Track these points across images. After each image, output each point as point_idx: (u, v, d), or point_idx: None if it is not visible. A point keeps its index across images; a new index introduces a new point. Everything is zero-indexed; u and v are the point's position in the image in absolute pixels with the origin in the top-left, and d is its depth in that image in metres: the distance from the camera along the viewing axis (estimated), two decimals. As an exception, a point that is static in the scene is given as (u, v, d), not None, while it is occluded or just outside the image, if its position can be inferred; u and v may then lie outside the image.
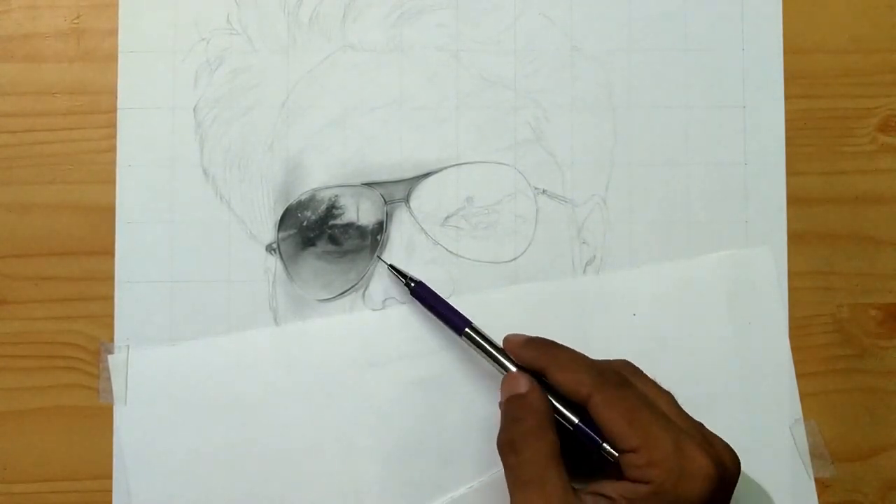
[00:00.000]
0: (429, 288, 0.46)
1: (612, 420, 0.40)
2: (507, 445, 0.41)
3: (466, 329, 0.45)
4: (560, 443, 0.41)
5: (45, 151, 0.49)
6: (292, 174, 0.49)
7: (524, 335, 0.45)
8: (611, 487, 0.40)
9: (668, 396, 0.43)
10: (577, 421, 0.42)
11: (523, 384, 0.43)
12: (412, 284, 0.46)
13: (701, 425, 0.42)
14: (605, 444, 0.41)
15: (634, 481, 0.40)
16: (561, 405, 0.42)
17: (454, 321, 0.45)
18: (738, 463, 0.42)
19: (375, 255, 0.48)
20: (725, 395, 0.48)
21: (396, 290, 0.48)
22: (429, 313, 0.46)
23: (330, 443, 0.48)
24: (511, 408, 0.43)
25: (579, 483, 0.41)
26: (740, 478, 0.47)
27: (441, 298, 0.46)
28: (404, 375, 0.48)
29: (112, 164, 0.49)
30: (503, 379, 0.44)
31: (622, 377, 0.42)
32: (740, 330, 0.49)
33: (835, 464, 0.48)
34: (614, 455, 0.40)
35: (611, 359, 0.44)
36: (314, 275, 0.48)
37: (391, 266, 0.47)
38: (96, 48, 0.49)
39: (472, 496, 0.47)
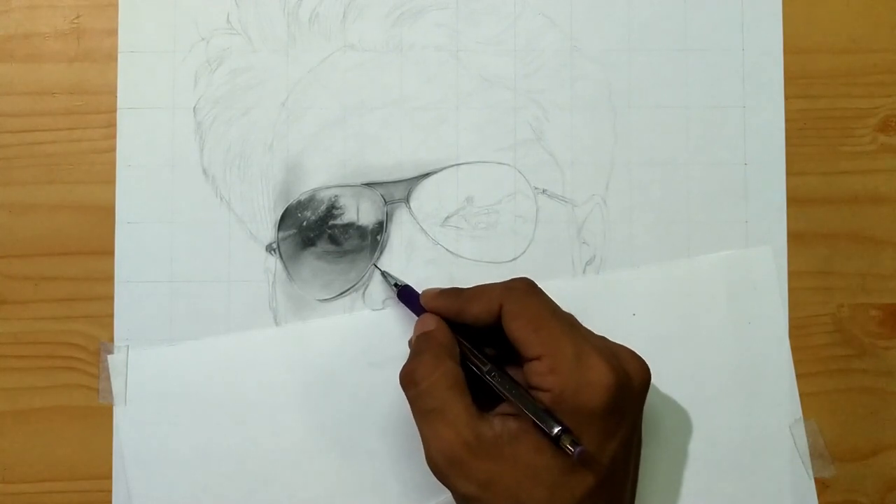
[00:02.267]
0: (414, 290, 0.47)
1: (518, 328, 0.41)
2: (407, 377, 0.42)
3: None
4: (465, 375, 0.41)
5: (45, 151, 0.49)
6: (292, 174, 0.49)
7: (437, 288, 0.45)
8: (514, 406, 0.40)
9: (570, 315, 0.43)
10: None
11: (430, 322, 0.44)
12: (398, 288, 0.47)
13: (605, 339, 0.42)
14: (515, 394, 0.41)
15: (536, 390, 0.40)
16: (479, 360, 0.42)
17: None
18: (646, 373, 0.42)
19: (371, 262, 0.48)
20: (725, 395, 0.48)
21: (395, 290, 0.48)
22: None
23: (330, 443, 0.48)
24: (416, 344, 0.43)
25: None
26: (740, 477, 0.47)
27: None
28: (404, 375, 0.48)
29: (112, 164, 0.49)
30: (415, 323, 0.45)
31: (530, 286, 0.43)
32: (740, 330, 0.49)
33: (835, 464, 0.48)
34: (555, 429, 0.39)
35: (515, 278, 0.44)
36: (314, 275, 0.48)
37: (382, 272, 0.48)
38: (96, 48, 0.49)
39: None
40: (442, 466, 0.40)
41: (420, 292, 0.46)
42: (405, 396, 0.42)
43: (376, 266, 0.48)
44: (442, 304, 0.44)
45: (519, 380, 0.41)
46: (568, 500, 0.39)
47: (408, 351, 0.43)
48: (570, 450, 0.38)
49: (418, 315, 0.46)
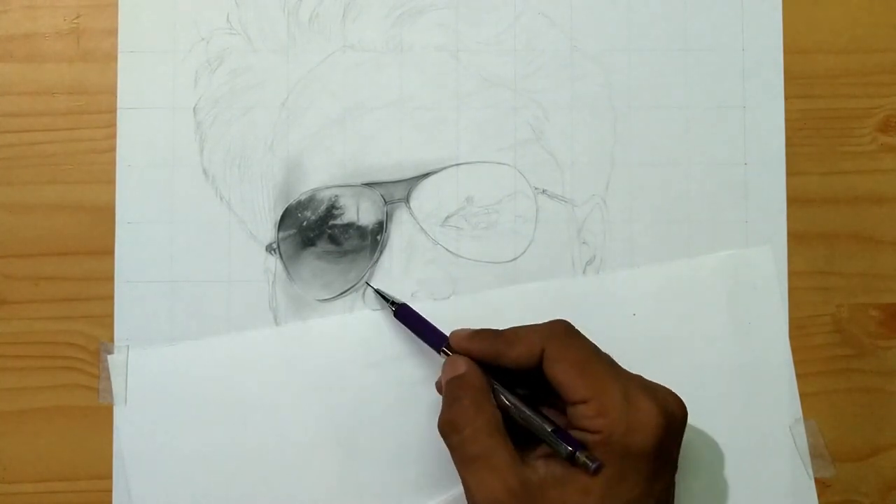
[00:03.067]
0: (411, 309, 0.46)
1: (563, 371, 0.40)
2: (448, 425, 0.41)
3: (443, 348, 0.45)
4: (503, 417, 0.41)
5: (45, 151, 0.49)
6: (292, 174, 0.49)
7: (468, 329, 0.44)
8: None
9: (606, 354, 0.43)
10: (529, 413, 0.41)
11: (461, 365, 0.43)
12: (394, 308, 0.46)
13: (642, 377, 0.42)
14: (556, 436, 0.40)
15: (584, 432, 0.39)
16: (512, 396, 0.42)
17: (432, 340, 0.45)
18: (685, 409, 0.41)
19: (363, 278, 0.48)
20: (725, 395, 0.48)
21: (396, 289, 0.48)
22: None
23: (330, 443, 0.48)
24: (450, 389, 0.42)
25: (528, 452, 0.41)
26: (740, 477, 0.47)
27: (422, 318, 0.46)
28: (404, 375, 0.48)
29: (112, 164, 0.49)
30: (443, 365, 0.44)
31: (568, 329, 0.42)
32: (740, 330, 0.49)
33: (835, 464, 0.48)
34: (567, 449, 0.39)
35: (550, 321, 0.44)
36: (314, 275, 0.48)
37: (377, 290, 0.47)
38: (96, 48, 0.49)
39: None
40: None
41: (412, 311, 0.46)
42: (446, 445, 0.41)
43: (369, 284, 0.48)
44: (477, 347, 0.43)
45: (560, 423, 0.41)
46: None
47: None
48: (589, 465, 0.38)
49: (423, 338, 0.45)
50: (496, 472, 0.39)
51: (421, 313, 0.46)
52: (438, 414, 0.42)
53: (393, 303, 0.47)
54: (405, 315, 0.46)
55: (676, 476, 0.42)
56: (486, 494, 0.39)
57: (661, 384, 0.42)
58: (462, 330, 0.44)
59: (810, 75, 0.50)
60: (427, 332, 0.46)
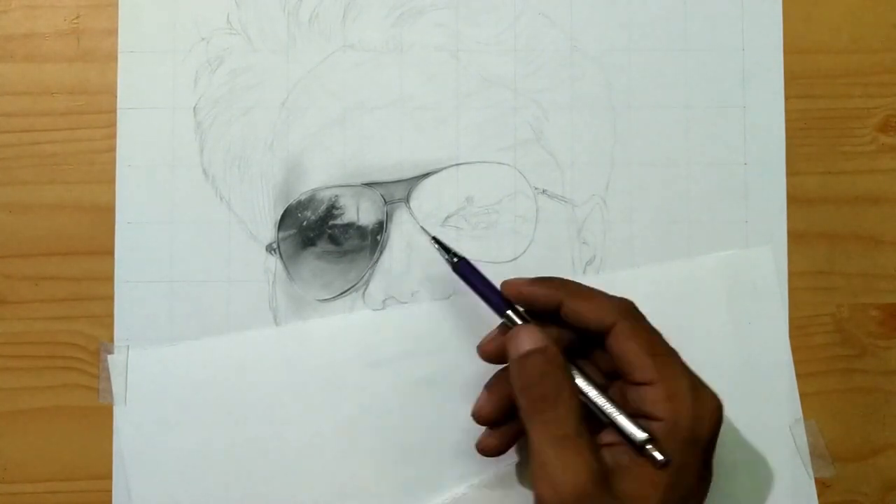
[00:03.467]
0: (472, 266, 0.44)
1: (632, 351, 0.39)
2: (543, 401, 0.38)
3: (508, 311, 0.42)
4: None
5: (45, 151, 0.49)
6: (292, 174, 0.49)
7: (524, 277, 0.42)
8: (615, 435, 0.39)
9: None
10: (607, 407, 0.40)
11: (540, 338, 0.40)
12: (455, 260, 0.44)
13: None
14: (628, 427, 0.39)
15: (648, 417, 0.39)
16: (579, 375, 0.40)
17: (495, 301, 0.43)
18: (721, 403, 0.41)
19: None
20: (725, 396, 0.48)
21: (396, 289, 0.48)
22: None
23: (330, 443, 0.48)
24: (533, 363, 0.39)
25: None
26: (740, 477, 0.47)
27: (484, 278, 0.43)
28: (404, 375, 0.48)
29: (112, 164, 0.49)
30: (510, 334, 0.41)
31: (637, 310, 0.41)
32: (740, 330, 0.49)
33: (835, 464, 0.48)
34: (642, 436, 0.38)
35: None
36: (314, 275, 0.48)
37: (434, 238, 0.44)
38: (96, 48, 0.49)
39: (472, 495, 0.47)
40: (568, 500, 0.37)
41: (501, 283, 0.43)
42: (526, 422, 0.39)
43: (426, 231, 0.46)
44: (542, 293, 0.41)
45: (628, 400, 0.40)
46: None
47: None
48: (660, 458, 0.37)
49: (481, 294, 0.43)
50: (583, 455, 0.37)
51: (475, 278, 0.43)
52: (475, 402, 0.41)
53: (455, 255, 0.44)
54: (465, 271, 0.43)
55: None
56: (572, 477, 0.37)
57: (703, 381, 0.41)
58: (517, 279, 0.42)
59: (810, 75, 0.50)
60: (489, 291, 0.43)
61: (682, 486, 0.38)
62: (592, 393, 0.40)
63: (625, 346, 0.40)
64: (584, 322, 0.41)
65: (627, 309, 0.41)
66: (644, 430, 0.39)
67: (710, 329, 0.49)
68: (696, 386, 0.39)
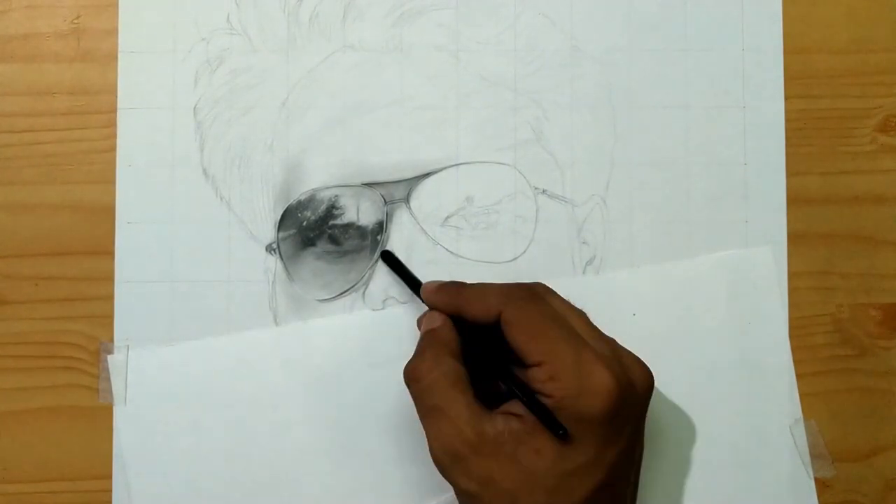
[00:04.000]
0: (394, 255, 0.48)
1: (517, 335, 0.41)
2: (410, 374, 0.42)
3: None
4: (469, 372, 0.42)
5: (45, 151, 0.49)
6: (292, 174, 0.49)
7: (438, 281, 0.46)
8: (518, 405, 0.40)
9: (581, 314, 0.43)
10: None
11: (436, 319, 0.44)
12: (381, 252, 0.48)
13: (613, 342, 0.42)
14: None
15: (539, 395, 0.40)
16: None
17: (414, 287, 0.46)
18: (650, 379, 0.42)
19: (371, 262, 0.48)
20: (725, 395, 0.48)
21: (396, 289, 0.48)
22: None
23: (330, 443, 0.48)
24: (421, 341, 0.43)
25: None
26: (740, 477, 0.47)
27: (403, 266, 0.47)
28: (404, 375, 0.48)
29: (112, 164, 0.49)
30: (419, 318, 0.45)
31: (531, 293, 0.43)
32: (740, 330, 0.49)
33: (835, 464, 0.48)
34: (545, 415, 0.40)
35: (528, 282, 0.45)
36: (314, 275, 0.48)
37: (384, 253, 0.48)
38: (96, 48, 0.49)
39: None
40: (444, 463, 0.40)
41: (394, 257, 0.47)
42: (409, 393, 0.42)
43: (385, 254, 0.48)
44: (440, 300, 0.44)
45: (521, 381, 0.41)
46: None
47: (408, 350, 0.43)
48: (558, 431, 0.38)
49: (408, 285, 0.46)
50: (452, 422, 0.40)
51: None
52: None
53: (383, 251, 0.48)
54: (389, 259, 0.47)
55: (646, 456, 0.42)
56: (442, 443, 0.40)
57: (632, 352, 0.42)
58: (432, 282, 0.46)
59: (810, 75, 0.50)
60: (408, 279, 0.47)
61: (572, 459, 0.39)
62: (501, 372, 0.42)
63: (509, 333, 0.41)
64: (478, 320, 0.43)
65: (514, 295, 0.42)
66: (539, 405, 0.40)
67: (710, 329, 0.49)
68: (585, 362, 0.39)
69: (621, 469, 0.40)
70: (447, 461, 0.40)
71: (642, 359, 0.42)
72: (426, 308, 0.45)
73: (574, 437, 0.39)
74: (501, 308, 0.42)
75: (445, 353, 0.42)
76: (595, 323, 0.43)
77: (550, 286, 0.44)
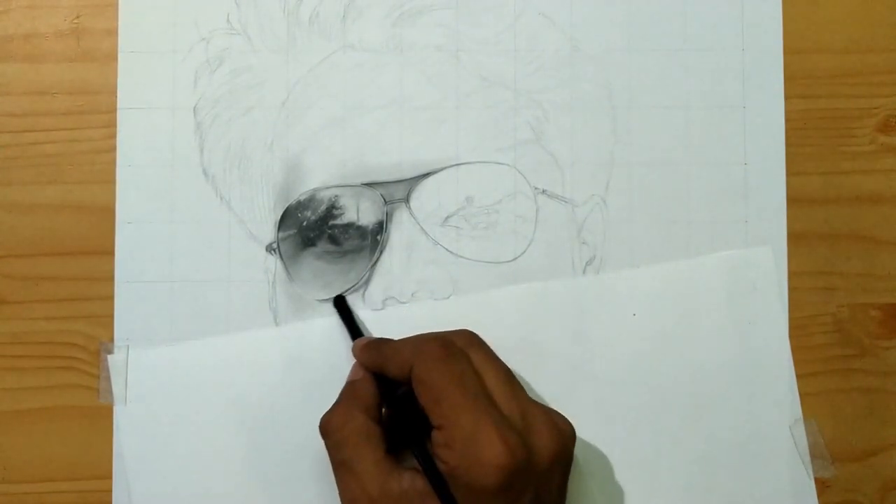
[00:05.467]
0: (346, 303, 0.48)
1: (423, 395, 0.41)
2: (323, 427, 0.43)
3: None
4: (380, 429, 0.42)
5: (45, 151, 0.49)
6: (292, 174, 0.49)
7: (366, 338, 0.46)
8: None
9: (499, 370, 0.42)
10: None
11: (357, 372, 0.45)
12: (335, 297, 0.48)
13: (527, 403, 0.41)
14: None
15: (438, 460, 0.40)
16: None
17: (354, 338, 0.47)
18: (559, 445, 0.40)
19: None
20: (725, 395, 0.48)
21: (396, 289, 0.48)
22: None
23: (330, 443, 0.48)
24: (340, 393, 0.44)
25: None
26: (740, 477, 0.47)
27: (351, 316, 0.47)
28: (404, 375, 0.48)
29: (112, 164, 0.49)
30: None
31: (445, 350, 0.42)
32: (740, 330, 0.49)
33: (835, 464, 0.48)
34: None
35: (454, 330, 0.44)
36: (314, 275, 0.48)
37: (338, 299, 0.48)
38: (96, 48, 0.49)
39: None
40: None
41: (346, 305, 0.47)
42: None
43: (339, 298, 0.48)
44: (364, 358, 0.45)
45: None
46: None
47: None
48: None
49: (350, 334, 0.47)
50: (358, 478, 0.40)
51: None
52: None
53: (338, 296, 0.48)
54: (340, 306, 0.47)
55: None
56: (348, 497, 0.41)
57: (549, 413, 0.41)
58: (364, 338, 0.46)
59: (810, 75, 0.50)
60: (351, 330, 0.47)
61: None
62: (407, 440, 0.42)
63: (417, 391, 0.41)
64: (398, 378, 0.42)
65: (425, 352, 0.42)
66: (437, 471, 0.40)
67: (710, 329, 0.49)
68: (480, 432, 0.38)
69: None
70: None
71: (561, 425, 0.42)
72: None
73: (476, 497, 0.38)
74: (413, 364, 0.41)
75: (358, 409, 0.42)
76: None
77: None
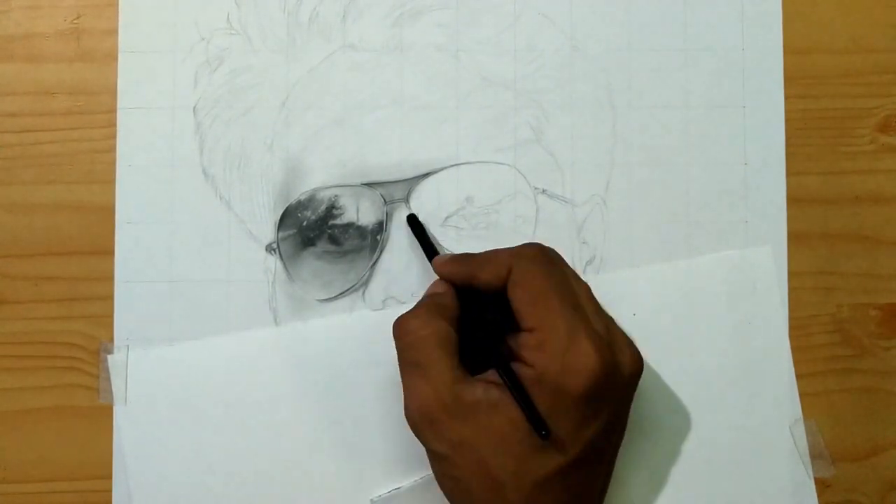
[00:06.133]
0: (420, 222, 0.48)
1: (518, 298, 0.41)
2: (399, 327, 0.42)
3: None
4: (459, 338, 0.41)
5: (45, 151, 0.49)
6: (292, 174, 0.49)
7: (450, 254, 0.46)
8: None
9: (585, 286, 0.43)
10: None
11: (439, 286, 0.44)
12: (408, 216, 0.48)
13: (610, 320, 0.42)
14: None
15: (523, 363, 0.40)
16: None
17: (430, 257, 0.46)
18: (638, 364, 0.42)
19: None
20: (725, 395, 0.48)
21: (396, 289, 0.48)
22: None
23: (330, 443, 0.48)
24: (419, 302, 0.44)
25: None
26: (740, 477, 0.47)
27: (426, 235, 0.47)
28: (404, 375, 0.47)
29: (112, 164, 0.49)
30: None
31: (542, 255, 0.42)
32: (740, 330, 0.49)
33: (835, 464, 0.48)
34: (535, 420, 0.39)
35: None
36: (314, 275, 0.48)
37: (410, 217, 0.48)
38: (96, 48, 0.49)
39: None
40: (417, 421, 0.40)
41: (420, 224, 0.47)
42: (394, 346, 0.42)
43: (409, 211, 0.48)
44: (452, 270, 0.44)
45: (512, 346, 0.41)
46: (534, 476, 0.39)
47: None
48: (539, 430, 0.38)
49: (428, 259, 0.46)
50: (432, 382, 0.40)
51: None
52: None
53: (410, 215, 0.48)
54: (413, 223, 0.47)
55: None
56: (418, 401, 0.40)
57: (625, 334, 0.42)
58: (443, 255, 0.45)
59: (810, 75, 0.50)
60: (426, 247, 0.46)
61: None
62: (491, 345, 0.41)
63: (513, 292, 0.41)
64: (490, 286, 0.42)
65: (523, 255, 0.42)
66: (519, 371, 0.39)
67: (710, 329, 0.49)
68: (575, 337, 0.39)
69: (596, 449, 0.40)
70: (420, 420, 0.40)
71: (635, 346, 0.42)
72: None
73: (549, 410, 0.39)
74: (511, 266, 0.41)
75: (438, 315, 0.42)
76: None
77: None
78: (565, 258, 0.44)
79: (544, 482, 0.39)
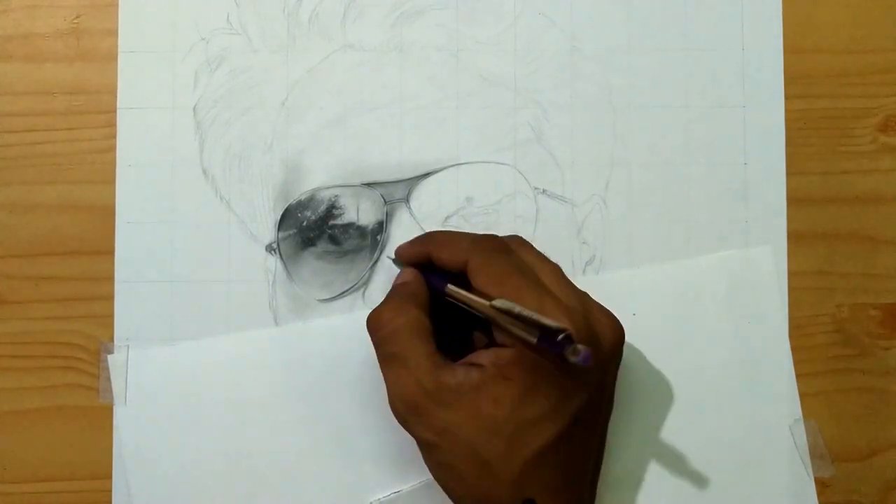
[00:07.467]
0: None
1: (483, 285, 0.41)
2: (372, 321, 0.42)
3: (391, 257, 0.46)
4: (433, 324, 0.41)
5: (45, 151, 0.49)
6: (292, 174, 0.49)
7: (410, 240, 0.46)
8: (483, 355, 0.40)
9: (554, 267, 0.43)
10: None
11: (407, 275, 0.44)
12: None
13: (585, 295, 0.42)
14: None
15: (501, 346, 0.40)
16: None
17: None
18: (617, 333, 0.42)
19: (378, 256, 0.48)
20: (725, 395, 0.48)
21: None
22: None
23: (330, 443, 0.48)
24: (389, 293, 0.44)
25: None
26: (740, 477, 0.47)
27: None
28: (404, 375, 0.47)
29: (112, 164, 0.49)
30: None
31: (500, 245, 0.43)
32: (740, 330, 0.49)
33: (835, 464, 0.49)
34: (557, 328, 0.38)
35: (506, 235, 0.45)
36: (314, 275, 0.48)
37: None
38: (96, 48, 0.49)
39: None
40: (402, 412, 0.40)
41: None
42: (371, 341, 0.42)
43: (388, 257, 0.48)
44: (412, 251, 0.45)
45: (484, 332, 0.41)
46: (524, 454, 0.39)
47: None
48: (575, 357, 0.36)
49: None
50: (412, 371, 0.40)
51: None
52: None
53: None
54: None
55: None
56: (401, 391, 0.40)
57: (604, 307, 0.42)
58: (404, 243, 0.46)
59: (810, 75, 0.50)
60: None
61: (531, 408, 0.39)
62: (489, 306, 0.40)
63: (475, 281, 0.41)
64: (448, 267, 0.43)
65: (481, 245, 0.42)
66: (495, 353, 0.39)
67: (711, 329, 0.49)
68: (544, 310, 0.39)
69: (583, 420, 0.40)
70: (404, 410, 0.40)
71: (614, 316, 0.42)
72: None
73: (534, 385, 0.39)
74: (469, 256, 0.42)
75: (410, 303, 0.42)
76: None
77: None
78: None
79: (534, 459, 0.39)
